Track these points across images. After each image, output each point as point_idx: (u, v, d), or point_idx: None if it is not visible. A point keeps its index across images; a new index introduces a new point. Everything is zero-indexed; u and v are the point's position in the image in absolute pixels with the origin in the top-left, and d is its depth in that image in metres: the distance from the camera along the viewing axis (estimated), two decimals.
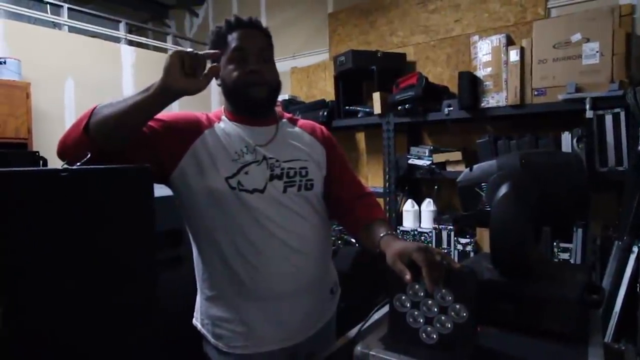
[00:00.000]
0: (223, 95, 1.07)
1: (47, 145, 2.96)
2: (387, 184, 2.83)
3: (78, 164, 0.75)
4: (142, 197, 0.79)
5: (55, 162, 0.78)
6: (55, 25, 3.47)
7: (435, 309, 0.73)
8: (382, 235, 0.96)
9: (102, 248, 0.72)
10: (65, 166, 0.70)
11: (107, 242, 0.72)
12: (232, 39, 1.03)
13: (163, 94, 0.83)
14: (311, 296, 1.08)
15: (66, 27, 3.48)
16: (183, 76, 0.81)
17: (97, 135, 0.84)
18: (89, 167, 0.74)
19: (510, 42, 2.36)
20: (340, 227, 2.35)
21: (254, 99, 1.03)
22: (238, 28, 1.04)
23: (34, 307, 0.63)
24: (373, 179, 3.28)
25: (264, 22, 1.11)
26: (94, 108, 0.87)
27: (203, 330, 1.07)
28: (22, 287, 0.62)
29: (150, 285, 0.79)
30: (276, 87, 1.08)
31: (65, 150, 0.87)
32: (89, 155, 0.78)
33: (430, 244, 2.63)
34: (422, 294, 0.74)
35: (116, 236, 0.74)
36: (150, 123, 0.94)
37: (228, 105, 1.09)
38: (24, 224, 0.62)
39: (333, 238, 2.41)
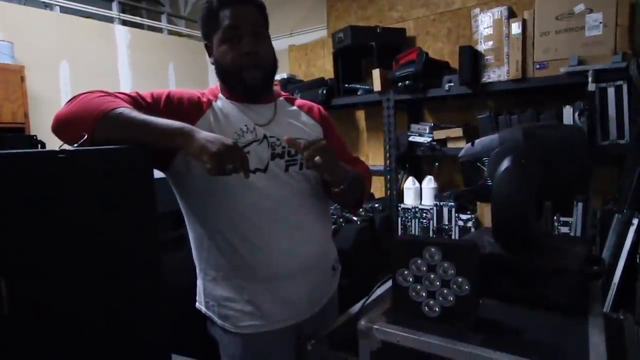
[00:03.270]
0: (217, 76, 1.05)
1: (45, 128, 2.91)
2: (388, 161, 2.82)
3: (75, 145, 0.74)
4: (142, 178, 0.78)
5: (53, 146, 0.77)
6: (46, 6, 3.39)
7: (438, 283, 0.74)
8: None
9: (103, 230, 0.72)
10: (63, 147, 0.70)
11: (107, 224, 0.72)
12: (224, 16, 0.98)
13: (180, 143, 0.81)
14: (315, 274, 1.08)
15: (58, 8, 3.40)
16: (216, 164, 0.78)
17: (101, 137, 0.79)
18: (86, 148, 0.74)
19: (512, 15, 2.30)
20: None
21: (249, 83, 1.00)
22: (230, 3, 0.99)
23: (35, 291, 0.63)
24: (374, 157, 3.27)
25: None
26: (110, 110, 0.80)
27: (208, 312, 1.06)
28: (23, 271, 0.62)
29: (154, 267, 0.80)
30: (272, 68, 1.05)
31: (62, 131, 0.83)
32: (86, 136, 0.77)
33: (431, 222, 2.65)
34: (424, 268, 0.75)
35: (117, 218, 0.73)
36: (155, 108, 0.92)
37: (222, 85, 1.06)
38: (23, 206, 0.62)
39: (334, 217, 2.42)
